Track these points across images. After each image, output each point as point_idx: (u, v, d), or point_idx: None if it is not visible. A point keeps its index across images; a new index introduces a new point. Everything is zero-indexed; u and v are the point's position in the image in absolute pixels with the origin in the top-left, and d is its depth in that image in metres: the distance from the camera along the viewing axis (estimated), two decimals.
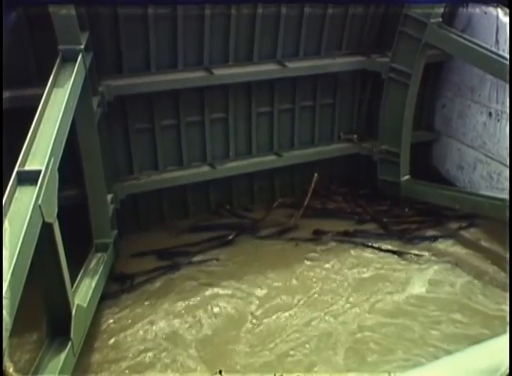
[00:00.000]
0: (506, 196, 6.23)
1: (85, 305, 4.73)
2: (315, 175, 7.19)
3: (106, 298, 5.49)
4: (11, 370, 3.30)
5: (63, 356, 4.14)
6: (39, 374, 3.98)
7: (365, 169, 7.79)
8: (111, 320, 5.33)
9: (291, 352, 4.91)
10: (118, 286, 5.73)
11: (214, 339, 5.09)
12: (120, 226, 6.23)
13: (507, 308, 5.25)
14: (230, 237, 6.61)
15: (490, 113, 6.95)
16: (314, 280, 5.90)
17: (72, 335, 4.25)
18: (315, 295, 5.66)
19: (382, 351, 4.92)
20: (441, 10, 6.61)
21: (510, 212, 5.89)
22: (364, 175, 7.84)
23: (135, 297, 5.66)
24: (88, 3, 5.33)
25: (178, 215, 7.02)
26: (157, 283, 5.84)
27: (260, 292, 5.69)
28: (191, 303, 5.55)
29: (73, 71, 4.74)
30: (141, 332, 5.18)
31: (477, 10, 6.84)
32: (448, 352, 4.51)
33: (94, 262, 5.52)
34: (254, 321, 5.28)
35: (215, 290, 5.72)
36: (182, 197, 7.01)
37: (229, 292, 5.68)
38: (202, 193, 7.13)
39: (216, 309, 5.45)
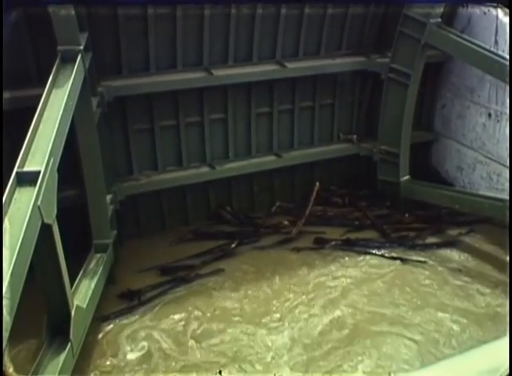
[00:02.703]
0: (506, 196, 6.24)
1: (85, 305, 4.72)
2: (317, 184, 7.20)
3: (114, 317, 5.38)
4: (11, 370, 3.30)
5: (62, 356, 4.13)
6: (38, 374, 3.97)
7: (365, 170, 7.79)
8: (111, 322, 5.34)
9: None
10: (126, 303, 5.62)
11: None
12: (120, 229, 6.22)
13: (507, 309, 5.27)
14: (233, 246, 6.56)
15: (489, 114, 6.96)
16: (323, 290, 5.86)
17: (71, 336, 4.25)
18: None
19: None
20: (441, 10, 6.62)
21: (510, 213, 5.89)
22: (364, 176, 7.83)
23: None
24: (88, 3, 5.33)
25: (177, 218, 7.01)
26: (164, 297, 5.75)
27: (275, 305, 5.63)
28: (191, 306, 5.58)
29: (72, 72, 4.73)
30: (142, 334, 5.18)
31: (476, 11, 6.85)
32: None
33: (93, 262, 5.51)
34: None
35: (224, 302, 5.68)
36: (181, 198, 7.00)
37: (239, 305, 5.63)
38: (201, 194, 7.11)
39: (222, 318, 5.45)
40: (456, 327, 5.26)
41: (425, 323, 5.33)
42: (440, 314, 5.45)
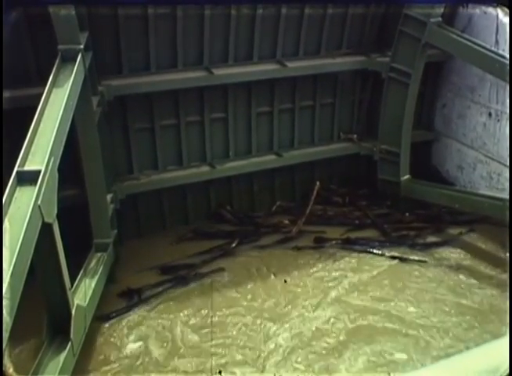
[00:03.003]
0: (506, 196, 6.24)
1: (85, 305, 4.72)
2: (317, 183, 7.20)
3: (114, 316, 5.38)
4: (11, 370, 3.30)
5: (62, 356, 4.14)
6: (39, 374, 3.97)
7: (365, 169, 7.79)
8: (111, 320, 5.34)
9: None
10: (127, 302, 5.62)
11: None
12: (120, 229, 6.22)
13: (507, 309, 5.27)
14: (234, 245, 6.57)
15: (490, 114, 6.95)
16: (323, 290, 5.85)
17: (72, 335, 4.25)
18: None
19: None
20: (441, 10, 6.61)
21: (510, 212, 5.89)
22: (364, 175, 7.84)
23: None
24: (88, 3, 5.33)
25: (178, 217, 7.01)
26: (164, 295, 5.76)
27: (275, 303, 5.63)
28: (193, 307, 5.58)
29: (72, 71, 4.73)
30: (142, 333, 5.19)
31: (477, 10, 6.84)
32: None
33: (94, 261, 5.51)
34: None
35: (224, 301, 5.67)
36: (181, 197, 7.00)
37: (239, 304, 5.62)
38: (202, 194, 7.11)
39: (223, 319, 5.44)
40: (453, 323, 5.28)
41: (423, 320, 5.35)
42: (438, 311, 5.47)
